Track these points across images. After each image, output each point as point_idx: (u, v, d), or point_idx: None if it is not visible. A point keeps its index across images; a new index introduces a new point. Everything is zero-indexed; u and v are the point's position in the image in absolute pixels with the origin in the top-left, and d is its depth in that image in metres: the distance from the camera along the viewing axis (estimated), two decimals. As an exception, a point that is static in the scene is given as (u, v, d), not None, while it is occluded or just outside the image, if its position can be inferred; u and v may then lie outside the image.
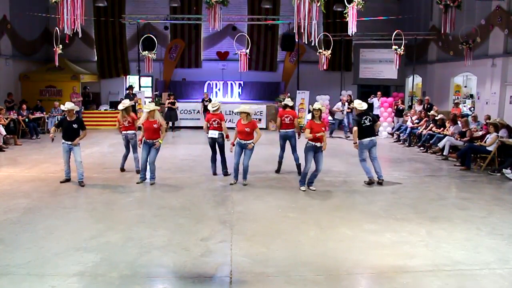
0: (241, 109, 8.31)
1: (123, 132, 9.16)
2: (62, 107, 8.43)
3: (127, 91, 16.34)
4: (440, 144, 11.59)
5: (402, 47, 14.35)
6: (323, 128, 7.84)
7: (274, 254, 5.15)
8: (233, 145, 8.32)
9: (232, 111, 16.69)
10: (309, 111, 17.36)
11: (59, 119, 9.86)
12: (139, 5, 19.86)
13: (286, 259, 5.02)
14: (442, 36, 16.47)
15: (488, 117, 11.98)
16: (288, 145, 9.22)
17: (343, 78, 19.84)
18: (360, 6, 7.93)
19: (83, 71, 18.80)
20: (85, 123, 16.29)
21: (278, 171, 9.45)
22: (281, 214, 6.66)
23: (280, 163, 9.46)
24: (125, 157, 9.37)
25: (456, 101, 15.55)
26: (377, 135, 8.73)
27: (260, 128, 8.93)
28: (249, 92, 19.66)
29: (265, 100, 18.37)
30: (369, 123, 8.38)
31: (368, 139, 8.36)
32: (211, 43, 20.76)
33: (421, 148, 12.70)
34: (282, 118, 9.12)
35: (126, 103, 9.27)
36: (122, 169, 9.38)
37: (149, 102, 8.94)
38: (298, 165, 9.11)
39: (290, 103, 9.58)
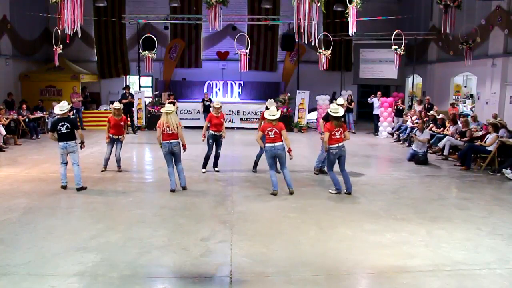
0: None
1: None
2: (56, 111, 8.02)
3: (124, 91, 16.27)
4: (440, 144, 11.59)
5: (402, 47, 14.35)
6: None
7: (274, 254, 5.15)
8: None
9: (232, 111, 16.79)
10: (310, 111, 17.54)
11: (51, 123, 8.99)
12: (139, 5, 19.85)
13: (286, 259, 5.02)
14: (442, 36, 16.46)
15: (496, 116, 11.99)
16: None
17: (343, 78, 19.85)
18: (358, 7, 7.93)
19: (83, 71, 18.79)
20: (85, 123, 16.64)
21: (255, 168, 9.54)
22: (281, 214, 6.66)
23: (256, 162, 9.53)
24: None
25: (452, 102, 15.45)
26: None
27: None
28: (249, 92, 19.65)
29: (265, 100, 18.30)
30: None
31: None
32: (211, 43, 20.75)
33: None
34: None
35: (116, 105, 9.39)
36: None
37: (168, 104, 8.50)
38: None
39: (272, 106, 9.26)
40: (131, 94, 16.13)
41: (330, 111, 7.76)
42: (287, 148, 7.74)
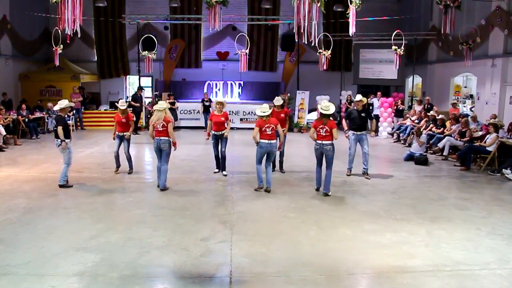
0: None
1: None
2: (55, 108, 8.20)
3: (136, 92, 16.41)
4: (440, 144, 11.59)
5: (402, 47, 14.34)
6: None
7: (274, 254, 5.15)
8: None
9: (232, 111, 16.76)
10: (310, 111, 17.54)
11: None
12: (139, 5, 19.86)
13: (286, 259, 5.02)
14: (442, 36, 16.45)
15: (494, 116, 11.99)
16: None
17: (343, 78, 19.85)
18: (356, 7, 7.94)
19: (83, 71, 18.80)
20: (85, 123, 16.64)
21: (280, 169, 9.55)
22: (281, 214, 6.66)
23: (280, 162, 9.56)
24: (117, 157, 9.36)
25: (453, 102, 15.44)
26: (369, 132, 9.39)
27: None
28: (249, 92, 19.67)
29: (265, 100, 18.35)
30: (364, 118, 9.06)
31: (359, 132, 9.03)
32: (211, 43, 20.76)
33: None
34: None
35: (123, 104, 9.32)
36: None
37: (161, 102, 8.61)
38: (281, 162, 9.49)
39: (279, 102, 9.22)
40: (141, 97, 16.24)
41: (321, 108, 7.78)
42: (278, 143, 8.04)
